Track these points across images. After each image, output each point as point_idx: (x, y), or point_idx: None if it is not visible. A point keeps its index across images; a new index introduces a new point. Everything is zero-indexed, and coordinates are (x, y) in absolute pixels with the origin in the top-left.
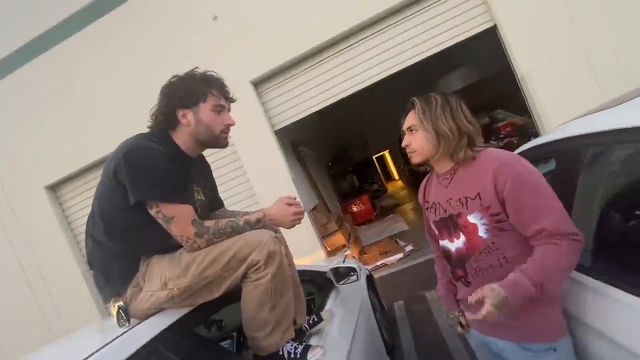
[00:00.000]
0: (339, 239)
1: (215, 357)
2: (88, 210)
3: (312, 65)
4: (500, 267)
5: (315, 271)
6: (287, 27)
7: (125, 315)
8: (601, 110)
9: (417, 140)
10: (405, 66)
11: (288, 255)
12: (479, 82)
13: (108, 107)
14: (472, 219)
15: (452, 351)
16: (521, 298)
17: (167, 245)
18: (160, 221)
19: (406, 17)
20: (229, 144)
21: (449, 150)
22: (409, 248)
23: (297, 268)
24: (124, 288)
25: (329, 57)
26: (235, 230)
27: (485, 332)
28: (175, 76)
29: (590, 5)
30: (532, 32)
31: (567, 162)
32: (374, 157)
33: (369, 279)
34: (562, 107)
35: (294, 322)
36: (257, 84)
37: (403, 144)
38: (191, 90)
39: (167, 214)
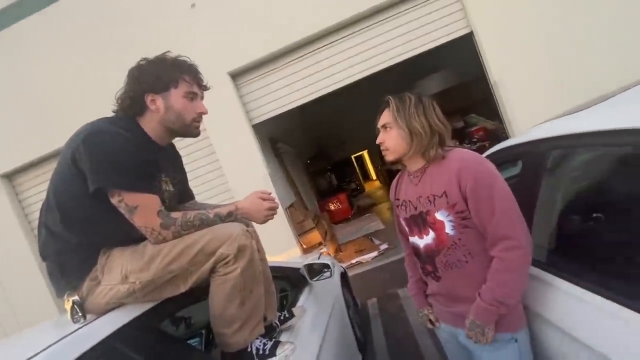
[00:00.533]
0: (315, 236)
1: (181, 355)
2: None
3: (292, 61)
4: (466, 262)
5: (288, 267)
6: (269, 20)
7: (81, 311)
8: (566, 115)
9: (391, 137)
10: (384, 67)
11: (260, 250)
12: (456, 87)
13: (70, 93)
14: (439, 216)
15: (421, 347)
16: (491, 317)
17: (131, 237)
18: (123, 211)
19: (386, 19)
20: (204, 136)
21: (421, 148)
22: (383, 246)
23: (271, 264)
24: (80, 281)
25: (309, 53)
26: (205, 223)
27: (454, 324)
28: (144, 59)
29: (559, 19)
30: (505, 40)
31: (532, 164)
32: (352, 156)
33: (343, 276)
34: (531, 114)
35: (265, 318)
36: (236, 75)
37: (377, 141)
38: (162, 74)
39: (130, 203)
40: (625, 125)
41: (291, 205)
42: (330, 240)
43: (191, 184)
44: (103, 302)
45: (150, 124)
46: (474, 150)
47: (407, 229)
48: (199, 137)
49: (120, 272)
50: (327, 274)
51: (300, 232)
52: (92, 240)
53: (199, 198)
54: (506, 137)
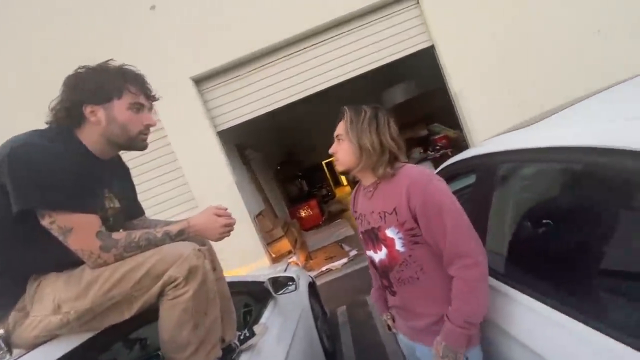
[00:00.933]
0: (284, 245)
1: None
2: None
3: (258, 67)
4: (418, 279)
5: (251, 282)
6: (234, 26)
7: (6, 346)
8: (517, 129)
9: (342, 149)
10: (350, 76)
11: (216, 268)
12: (420, 96)
13: (18, 95)
14: (389, 233)
15: (389, 355)
16: (463, 340)
17: (67, 261)
18: (56, 233)
19: (351, 30)
20: (165, 143)
21: (370, 164)
22: (353, 253)
23: (232, 279)
24: (5, 312)
25: (276, 60)
26: (152, 243)
27: (411, 339)
28: (83, 67)
29: (514, 35)
30: (464, 54)
31: (485, 176)
32: (323, 162)
33: (312, 286)
34: (489, 124)
35: (222, 340)
36: (199, 81)
37: (330, 151)
38: (103, 84)
39: (64, 224)
40: (559, 143)
41: (260, 214)
42: (300, 248)
43: (151, 195)
44: (32, 336)
45: (90, 137)
46: (437, 157)
47: (363, 242)
48: (159, 145)
49: (52, 301)
50: (292, 287)
51: (269, 241)
52: (19, 266)
53: (160, 209)
54: (467, 146)
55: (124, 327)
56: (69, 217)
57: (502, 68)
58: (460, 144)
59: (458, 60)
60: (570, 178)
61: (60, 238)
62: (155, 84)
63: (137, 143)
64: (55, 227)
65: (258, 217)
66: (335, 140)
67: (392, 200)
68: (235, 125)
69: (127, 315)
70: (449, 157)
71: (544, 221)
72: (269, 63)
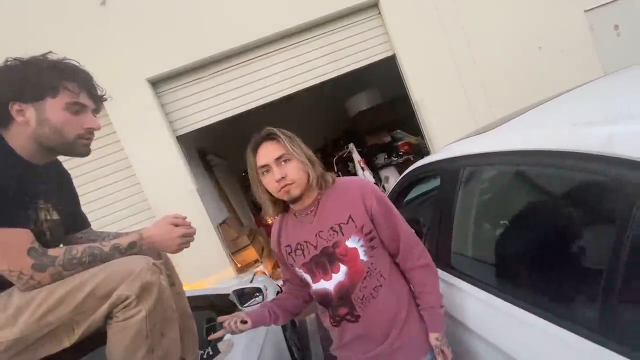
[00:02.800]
0: (250, 254)
1: None
2: None
3: (220, 71)
4: (381, 287)
5: (215, 295)
6: (193, 27)
7: None
8: (473, 135)
9: (293, 169)
10: (312, 84)
11: (175, 283)
12: (383, 104)
13: None
14: (350, 243)
15: None
16: (443, 320)
17: None
18: None
19: (313, 37)
20: (118, 148)
21: (317, 175)
22: None
23: (193, 293)
24: None
25: (238, 64)
26: (98, 259)
27: None
28: (14, 59)
29: (469, 51)
30: (424, 63)
31: (449, 179)
32: None
33: None
34: (447, 131)
35: None
36: (156, 83)
37: (277, 177)
38: (34, 79)
39: None
40: (508, 148)
41: (224, 222)
42: (267, 256)
43: (102, 204)
44: None
45: (18, 140)
46: (400, 163)
47: (307, 275)
48: (112, 150)
49: None
50: (259, 298)
51: (234, 250)
52: None
53: (112, 220)
54: (428, 152)
55: (64, 357)
56: None
57: (459, 79)
58: (422, 150)
59: (419, 70)
60: (522, 179)
61: None
62: (106, 84)
63: (76, 149)
64: None
65: (222, 226)
66: (275, 165)
67: (344, 209)
68: (196, 130)
69: (67, 343)
70: (411, 162)
71: (502, 221)
72: (231, 66)
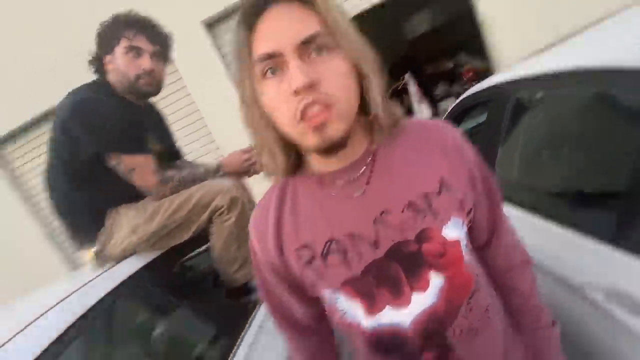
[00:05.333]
0: None
1: (190, 290)
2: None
3: None
4: (490, 307)
5: None
6: None
7: (102, 257)
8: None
9: (334, 72)
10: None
11: (251, 201)
12: (446, 25)
13: (50, 57)
14: (451, 231)
15: None
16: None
17: (133, 195)
18: (122, 173)
19: None
20: (185, 93)
21: (378, 100)
22: None
23: None
24: (91, 239)
25: None
26: (198, 178)
27: None
28: (105, 21)
29: None
30: None
31: (497, 108)
32: None
33: None
34: (520, 52)
35: None
36: (211, 24)
37: (299, 83)
38: (107, 34)
39: (128, 165)
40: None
41: None
42: None
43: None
44: (119, 251)
45: (116, 87)
46: (463, 92)
47: (353, 303)
48: (180, 96)
49: (128, 226)
50: None
51: None
52: (101, 199)
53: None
54: None
55: (184, 249)
56: (131, 159)
57: None
58: (489, 77)
59: None
60: (577, 103)
61: (126, 177)
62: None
63: (139, 88)
64: (122, 167)
65: None
66: (295, 57)
67: (428, 168)
68: None
69: (186, 236)
70: None
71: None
72: None
